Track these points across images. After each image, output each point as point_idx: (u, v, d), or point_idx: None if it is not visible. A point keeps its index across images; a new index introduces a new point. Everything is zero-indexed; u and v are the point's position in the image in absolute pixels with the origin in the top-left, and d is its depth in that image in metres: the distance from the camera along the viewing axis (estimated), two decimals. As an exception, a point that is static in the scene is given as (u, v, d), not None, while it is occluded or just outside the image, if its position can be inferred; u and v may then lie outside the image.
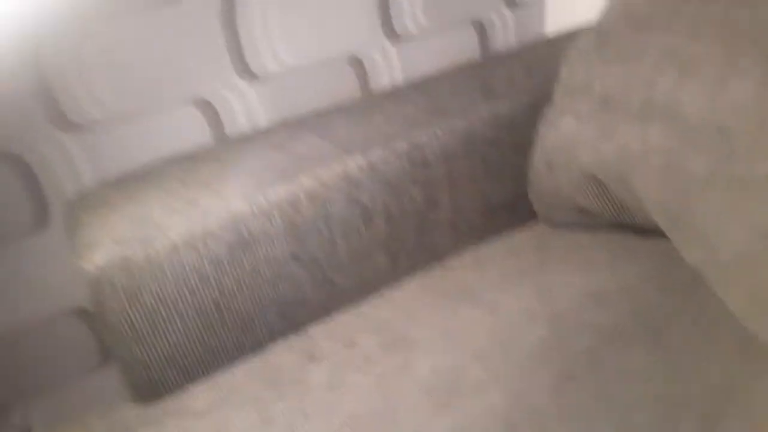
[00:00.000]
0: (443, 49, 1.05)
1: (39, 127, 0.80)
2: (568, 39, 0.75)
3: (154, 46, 0.83)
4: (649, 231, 0.72)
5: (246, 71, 0.90)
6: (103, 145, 0.84)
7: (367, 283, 0.76)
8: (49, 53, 0.77)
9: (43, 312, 0.87)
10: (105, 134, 0.84)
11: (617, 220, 0.74)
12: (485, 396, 0.56)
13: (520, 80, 0.87)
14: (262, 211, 0.68)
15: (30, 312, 0.86)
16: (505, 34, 1.11)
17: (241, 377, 0.66)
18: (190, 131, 0.90)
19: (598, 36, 0.72)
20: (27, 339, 0.87)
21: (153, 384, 0.66)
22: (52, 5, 0.76)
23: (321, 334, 0.69)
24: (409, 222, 0.77)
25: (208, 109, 0.89)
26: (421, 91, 0.89)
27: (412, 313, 0.69)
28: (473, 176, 0.80)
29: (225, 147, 0.82)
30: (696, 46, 0.60)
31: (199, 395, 0.64)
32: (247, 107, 0.92)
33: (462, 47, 1.07)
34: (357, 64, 0.98)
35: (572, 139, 0.72)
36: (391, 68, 1.02)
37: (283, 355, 0.67)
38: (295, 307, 0.72)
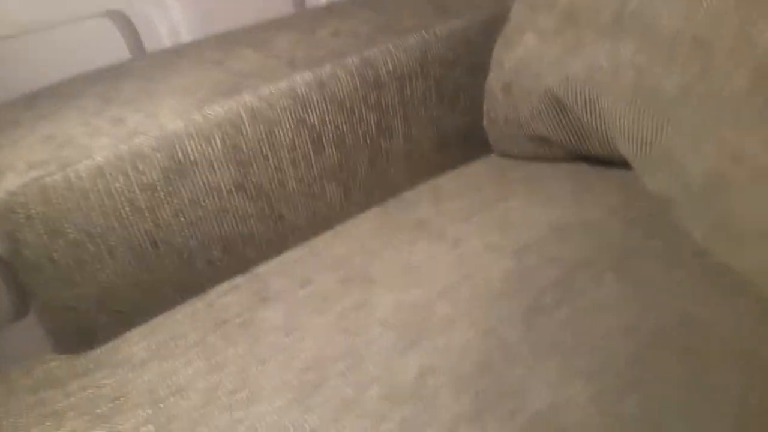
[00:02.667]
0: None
1: None
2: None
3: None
4: (608, 162, 0.70)
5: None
6: (9, 62, 0.72)
7: (318, 217, 0.69)
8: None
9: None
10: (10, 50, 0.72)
11: (577, 150, 0.71)
12: (455, 332, 0.53)
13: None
14: (199, 131, 0.59)
15: None
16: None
17: (183, 322, 0.59)
18: (104, 47, 0.79)
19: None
20: None
21: (82, 332, 0.58)
22: None
23: (272, 273, 0.63)
24: (362, 150, 0.71)
25: (122, 21, 0.78)
26: (369, 6, 0.81)
27: (369, 248, 0.64)
28: (426, 101, 0.74)
29: (149, 63, 0.72)
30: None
31: (137, 343, 0.57)
32: (169, 21, 0.82)
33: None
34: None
35: (534, 59, 0.68)
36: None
37: (230, 296, 0.61)
38: (241, 243, 0.64)
